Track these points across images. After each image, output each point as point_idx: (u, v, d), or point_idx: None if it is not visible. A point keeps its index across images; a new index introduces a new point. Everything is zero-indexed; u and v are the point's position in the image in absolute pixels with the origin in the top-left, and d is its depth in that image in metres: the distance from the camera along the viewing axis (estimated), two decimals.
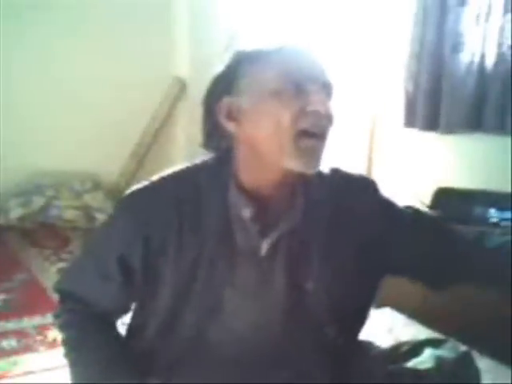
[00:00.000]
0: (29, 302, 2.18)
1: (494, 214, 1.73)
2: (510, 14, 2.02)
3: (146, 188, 0.98)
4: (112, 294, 0.99)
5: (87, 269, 1.01)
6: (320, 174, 0.98)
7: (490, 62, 2.11)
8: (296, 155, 0.88)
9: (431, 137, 2.33)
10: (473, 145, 2.20)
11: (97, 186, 3.42)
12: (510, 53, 2.03)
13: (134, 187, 1.00)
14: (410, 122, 2.40)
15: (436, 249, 1.02)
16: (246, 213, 0.93)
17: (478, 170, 2.12)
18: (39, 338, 1.90)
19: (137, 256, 0.95)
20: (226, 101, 0.93)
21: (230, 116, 0.93)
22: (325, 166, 1.01)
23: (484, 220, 1.75)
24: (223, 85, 0.94)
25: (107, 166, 3.54)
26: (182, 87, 3.68)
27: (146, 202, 0.96)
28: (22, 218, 3.09)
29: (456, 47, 2.18)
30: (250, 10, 3.34)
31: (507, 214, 1.73)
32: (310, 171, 0.91)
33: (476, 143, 2.18)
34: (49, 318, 1.97)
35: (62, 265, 2.57)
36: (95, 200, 3.29)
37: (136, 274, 0.97)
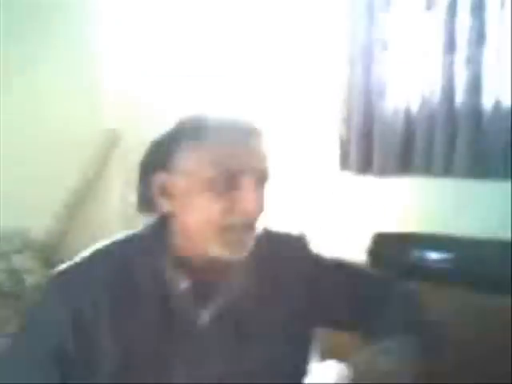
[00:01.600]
0: None
1: (431, 256, 1.74)
2: (428, 59, 2.10)
3: (73, 271, 0.93)
4: None
5: (19, 363, 0.90)
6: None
7: (415, 107, 2.17)
8: (221, 246, 0.88)
9: (366, 180, 2.35)
10: (405, 186, 2.23)
11: (24, 245, 3.24)
12: (432, 96, 2.09)
13: (60, 270, 0.93)
14: (344, 164, 2.43)
15: (361, 296, 1.06)
16: (184, 286, 0.91)
17: (411, 212, 2.14)
18: None
19: (71, 346, 0.88)
20: (161, 176, 0.90)
21: (164, 192, 0.90)
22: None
23: (422, 263, 1.76)
24: (160, 156, 0.90)
25: (35, 222, 3.38)
26: (113, 137, 3.59)
27: (74, 286, 0.91)
28: None
29: (382, 94, 2.24)
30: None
31: (444, 256, 1.74)
32: (237, 258, 0.90)
33: (407, 185, 2.21)
34: None
35: None
36: (24, 261, 3.12)
37: (72, 365, 0.89)
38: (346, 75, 2.38)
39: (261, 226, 0.99)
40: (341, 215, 2.39)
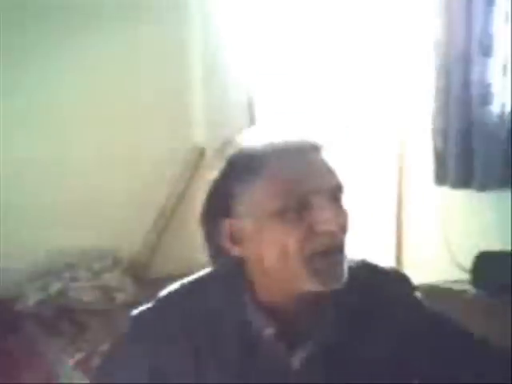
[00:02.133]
0: None
1: None
2: None
3: (152, 315, 0.89)
4: None
5: None
6: (351, 272, 0.87)
7: None
8: (311, 278, 0.80)
9: (464, 194, 2.18)
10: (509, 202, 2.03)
11: (116, 263, 3.30)
12: None
13: (139, 311, 0.91)
14: (440, 179, 2.27)
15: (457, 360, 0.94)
16: (269, 332, 0.83)
17: None
18: None
19: None
20: (226, 224, 0.83)
21: (234, 239, 0.83)
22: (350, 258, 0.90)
23: None
24: (219, 204, 0.84)
25: (126, 240, 3.45)
26: (200, 154, 3.60)
27: (154, 331, 0.87)
28: (39, 304, 2.97)
29: (484, 99, 2.06)
30: (266, 72, 3.28)
31: None
32: (332, 288, 0.81)
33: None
34: None
35: (79, 355, 2.41)
36: (114, 278, 3.17)
37: None
38: (442, 81, 2.23)
39: (356, 256, 0.90)
40: (439, 234, 2.22)
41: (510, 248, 1.78)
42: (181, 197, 3.58)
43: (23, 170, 3.08)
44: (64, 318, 2.89)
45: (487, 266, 1.71)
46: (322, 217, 0.78)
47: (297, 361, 0.85)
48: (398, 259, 2.59)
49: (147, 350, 0.86)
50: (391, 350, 0.89)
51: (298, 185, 0.79)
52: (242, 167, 0.82)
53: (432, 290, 1.76)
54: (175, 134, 3.57)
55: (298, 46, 2.98)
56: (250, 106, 3.38)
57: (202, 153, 3.61)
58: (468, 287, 1.77)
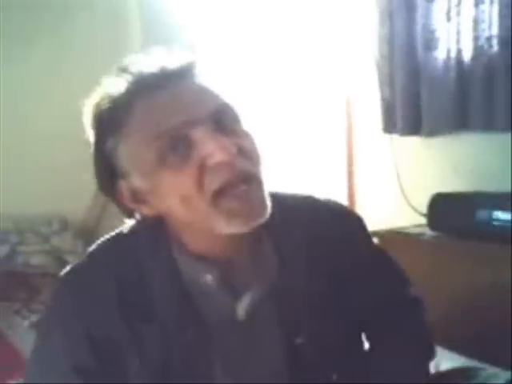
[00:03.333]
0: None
1: (498, 216, 1.62)
2: (483, 5, 1.93)
3: (80, 274, 0.83)
4: None
5: (46, 367, 0.84)
6: (289, 206, 0.84)
7: (467, 57, 2.01)
8: (225, 220, 0.72)
9: (414, 141, 2.22)
10: (459, 146, 2.09)
11: (64, 226, 3.23)
12: (488, 45, 1.94)
13: (69, 270, 0.85)
14: (389, 127, 2.30)
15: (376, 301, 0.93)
16: (209, 279, 0.78)
17: (468, 171, 2.00)
18: None
19: (91, 360, 0.79)
20: (122, 186, 0.77)
21: (136, 199, 0.77)
22: (297, 192, 0.89)
23: (488, 224, 1.63)
24: (105, 167, 0.77)
25: (73, 204, 3.36)
26: None
27: (83, 294, 0.81)
28: None
29: (429, 45, 2.09)
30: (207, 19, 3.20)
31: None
32: (251, 226, 0.73)
33: (462, 143, 2.07)
34: None
35: (34, 318, 2.36)
36: (64, 242, 3.10)
37: (98, 377, 0.80)
38: (384, 29, 2.23)
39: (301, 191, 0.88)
40: (391, 179, 2.27)
41: (464, 189, 1.83)
42: None
43: None
44: (15, 282, 2.81)
45: (441, 207, 1.75)
46: (207, 150, 0.69)
47: (241, 310, 0.80)
48: (350, 206, 2.64)
49: (80, 308, 0.81)
50: (334, 286, 0.85)
51: (166, 122, 0.70)
52: (108, 119, 0.74)
53: (389, 235, 1.81)
54: None
55: None
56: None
57: None
58: (425, 230, 1.79)
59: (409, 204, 2.11)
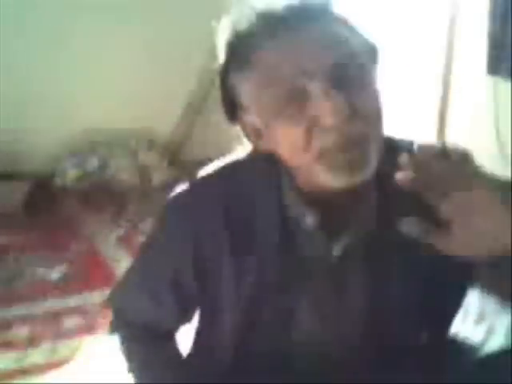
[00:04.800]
0: (88, 274, 2.11)
1: None
2: None
3: (191, 195, 0.85)
4: (166, 316, 0.91)
5: (138, 288, 0.91)
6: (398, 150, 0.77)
7: None
8: (327, 174, 0.71)
9: None
10: None
11: (151, 143, 3.31)
12: None
13: (178, 191, 0.87)
14: (494, 68, 2.13)
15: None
16: (310, 221, 0.79)
17: None
18: (101, 316, 1.82)
19: (189, 275, 0.85)
20: (243, 117, 0.77)
21: (255, 134, 0.77)
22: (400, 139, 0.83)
23: None
24: (229, 99, 0.77)
25: (161, 121, 3.44)
26: None
27: (193, 210, 0.84)
28: (77, 179, 3.03)
29: None
30: None
31: None
32: (353, 183, 0.72)
33: None
34: None
35: (121, 232, 2.49)
36: (150, 159, 3.19)
37: (191, 295, 0.87)
38: None
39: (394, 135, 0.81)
40: (488, 127, 2.13)
41: None
42: (213, 79, 3.49)
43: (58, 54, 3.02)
44: (103, 194, 2.95)
45: None
46: (320, 109, 0.68)
47: (338, 249, 0.81)
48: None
49: (185, 233, 0.83)
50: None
51: (286, 69, 0.69)
52: (236, 54, 0.73)
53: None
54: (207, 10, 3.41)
55: None
56: None
57: None
58: None
59: (503, 154, 1.99)
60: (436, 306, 0.86)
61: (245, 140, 0.82)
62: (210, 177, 0.86)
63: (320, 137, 0.69)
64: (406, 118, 2.44)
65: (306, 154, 0.71)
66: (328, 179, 0.72)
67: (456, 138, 2.39)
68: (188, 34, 3.28)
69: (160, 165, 3.18)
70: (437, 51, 2.45)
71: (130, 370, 0.91)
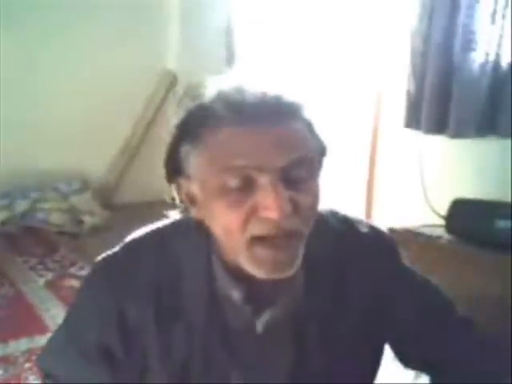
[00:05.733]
0: (14, 321, 2.03)
1: None
2: None
3: (117, 262, 0.84)
4: (101, 379, 0.86)
5: (68, 351, 0.87)
6: (323, 229, 0.84)
7: (505, 63, 1.99)
8: (252, 264, 0.74)
9: (440, 140, 2.21)
10: (486, 150, 2.07)
11: (84, 185, 3.27)
12: None
13: (104, 257, 0.86)
14: (412, 123, 2.27)
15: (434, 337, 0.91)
16: (235, 295, 0.80)
17: (493, 177, 2.00)
18: (28, 365, 1.76)
19: (118, 346, 0.82)
20: (182, 183, 0.78)
21: (190, 199, 0.78)
22: (327, 212, 0.88)
23: (507, 233, 1.64)
24: (173, 162, 0.77)
25: (95, 163, 3.41)
26: (172, 80, 3.53)
27: (118, 280, 0.82)
28: (5, 222, 2.93)
29: (468, 46, 2.05)
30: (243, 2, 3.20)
31: None
32: (275, 277, 0.74)
33: (490, 148, 2.06)
34: (37, 341, 1.84)
35: (50, 276, 2.42)
36: (83, 202, 3.14)
37: (120, 364, 0.83)
38: (422, 25, 2.20)
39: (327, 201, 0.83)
40: (413, 178, 2.27)
41: (484, 195, 1.82)
42: (150, 123, 3.52)
43: None
44: (32, 238, 2.87)
45: (461, 212, 1.75)
46: (264, 202, 0.70)
47: (260, 325, 0.82)
48: (369, 203, 2.65)
49: (113, 298, 0.82)
50: (361, 314, 0.86)
51: (241, 160, 0.70)
52: (193, 126, 0.73)
53: (405, 234, 1.82)
54: (147, 59, 3.47)
55: None
56: (228, 33, 3.29)
57: (173, 80, 3.54)
58: (443, 233, 1.80)
59: (429, 204, 2.11)
60: (356, 377, 0.88)
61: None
62: (137, 243, 0.85)
63: (256, 225, 0.71)
64: (337, 180, 2.56)
65: (238, 239, 0.72)
66: (252, 270, 0.74)
67: (384, 187, 2.53)
68: (126, 76, 3.31)
69: (92, 208, 3.13)
70: (366, 108, 2.61)
71: None
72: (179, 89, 3.50)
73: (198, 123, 0.73)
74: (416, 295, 0.91)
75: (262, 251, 0.72)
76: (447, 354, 0.90)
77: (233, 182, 0.71)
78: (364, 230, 0.90)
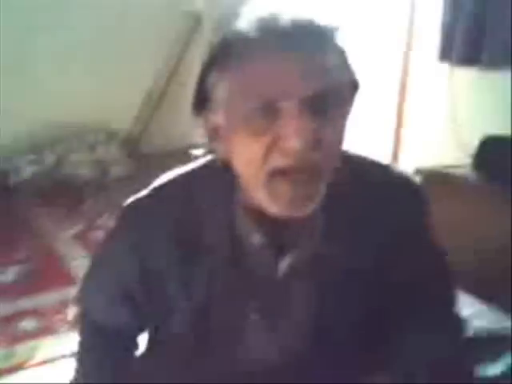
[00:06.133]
0: (44, 274, 2.07)
1: None
2: None
3: (142, 208, 0.86)
4: (124, 319, 0.93)
5: (98, 288, 0.94)
6: (357, 173, 0.81)
7: None
8: (270, 199, 0.71)
9: (472, 75, 2.10)
10: None
11: (110, 136, 3.26)
12: None
13: (130, 203, 0.87)
14: (446, 54, 2.16)
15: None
16: (257, 239, 0.79)
17: None
18: (59, 317, 1.79)
19: (138, 288, 0.87)
20: (209, 117, 0.75)
21: (216, 135, 0.75)
22: (354, 155, 0.84)
23: None
24: (202, 94, 0.74)
25: (120, 113, 3.38)
26: (196, 22, 3.42)
27: (142, 227, 0.84)
28: (34, 176, 2.96)
29: None
30: None
31: None
32: (292, 215, 0.72)
33: None
34: (66, 294, 1.87)
35: (77, 228, 2.44)
36: (109, 153, 3.14)
37: (144, 304, 0.88)
38: None
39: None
40: (443, 114, 2.17)
41: None
42: (176, 67, 3.45)
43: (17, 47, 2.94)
44: (60, 190, 2.90)
45: (491, 150, 1.67)
46: (286, 130, 0.67)
47: (282, 268, 0.81)
48: (397, 141, 2.56)
49: (137, 242, 0.84)
50: (374, 261, 0.83)
51: (266, 86, 0.67)
52: (223, 53, 0.71)
53: (432, 174, 1.75)
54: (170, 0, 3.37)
55: None
56: None
57: (198, 20, 3.42)
58: (470, 173, 1.72)
59: (458, 141, 2.02)
60: (373, 325, 0.86)
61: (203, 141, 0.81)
62: (163, 190, 0.86)
63: (277, 156, 0.69)
64: (366, 104, 2.47)
65: (259, 170, 0.70)
66: (270, 207, 0.72)
67: (413, 122, 2.44)
68: (146, 27, 3.24)
69: (118, 158, 3.13)
70: (396, 40, 2.48)
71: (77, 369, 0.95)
72: (205, 30, 3.39)
73: (228, 49, 0.70)
74: (418, 264, 0.86)
75: (281, 186, 0.70)
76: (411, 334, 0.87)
77: (256, 109, 0.67)
78: (394, 178, 0.86)
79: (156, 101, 3.47)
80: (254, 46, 0.68)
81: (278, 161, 0.69)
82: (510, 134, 1.71)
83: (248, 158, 0.70)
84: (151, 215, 0.84)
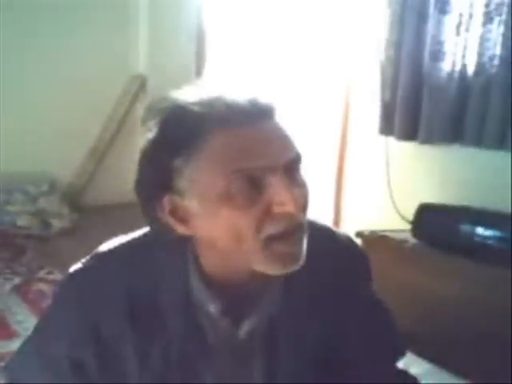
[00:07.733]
0: None
1: (480, 232, 1.67)
2: (490, 25, 1.97)
3: (90, 274, 0.82)
4: None
5: (35, 363, 0.84)
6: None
7: (470, 72, 2.06)
8: (269, 262, 0.72)
9: (408, 147, 2.27)
10: (453, 157, 2.14)
11: (52, 188, 3.22)
12: (490, 64, 1.98)
13: (76, 269, 0.82)
14: (386, 129, 2.34)
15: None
16: (213, 308, 0.79)
17: (458, 183, 2.06)
18: None
19: (89, 355, 0.80)
20: (167, 200, 0.73)
21: (177, 216, 0.74)
22: (316, 221, 0.87)
23: (470, 238, 1.69)
24: (156, 177, 0.73)
25: (63, 165, 3.36)
26: (141, 84, 3.52)
27: (91, 293, 0.80)
28: None
29: (436, 55, 2.13)
30: (214, 4, 3.22)
31: (494, 233, 1.68)
32: (290, 270, 0.74)
33: (455, 155, 2.12)
34: (4, 347, 1.80)
35: (17, 280, 2.38)
36: (51, 204, 3.10)
37: (93, 377, 0.81)
38: (393, 34, 2.26)
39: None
40: (381, 183, 2.31)
41: (451, 201, 1.88)
42: (119, 126, 3.50)
43: None
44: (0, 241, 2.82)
45: (427, 217, 1.80)
46: (279, 198, 0.69)
47: (241, 334, 0.81)
48: (337, 205, 2.69)
49: (82, 314, 0.79)
50: (329, 327, 0.85)
51: (246, 162, 0.68)
52: (179, 136, 0.70)
53: (372, 237, 1.85)
54: (116, 62, 3.45)
55: None
56: (199, 35, 3.31)
57: (143, 82, 3.52)
58: (408, 237, 1.84)
59: (395, 209, 2.16)
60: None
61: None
62: (112, 254, 0.82)
63: (273, 224, 0.70)
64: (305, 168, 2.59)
65: (254, 241, 0.70)
66: (269, 268, 0.73)
67: (352, 191, 2.57)
68: (95, 80, 3.29)
69: (60, 210, 3.09)
70: (335, 115, 2.65)
71: None
72: (148, 92, 3.48)
73: (189, 133, 0.70)
74: (367, 327, 0.90)
75: (280, 247, 0.71)
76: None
77: (240, 185, 0.69)
78: (344, 243, 0.91)
79: (100, 155, 3.48)
80: (216, 123, 0.69)
81: (273, 228, 0.70)
82: (444, 202, 1.85)
83: (237, 231, 0.70)
84: (97, 282, 0.80)
